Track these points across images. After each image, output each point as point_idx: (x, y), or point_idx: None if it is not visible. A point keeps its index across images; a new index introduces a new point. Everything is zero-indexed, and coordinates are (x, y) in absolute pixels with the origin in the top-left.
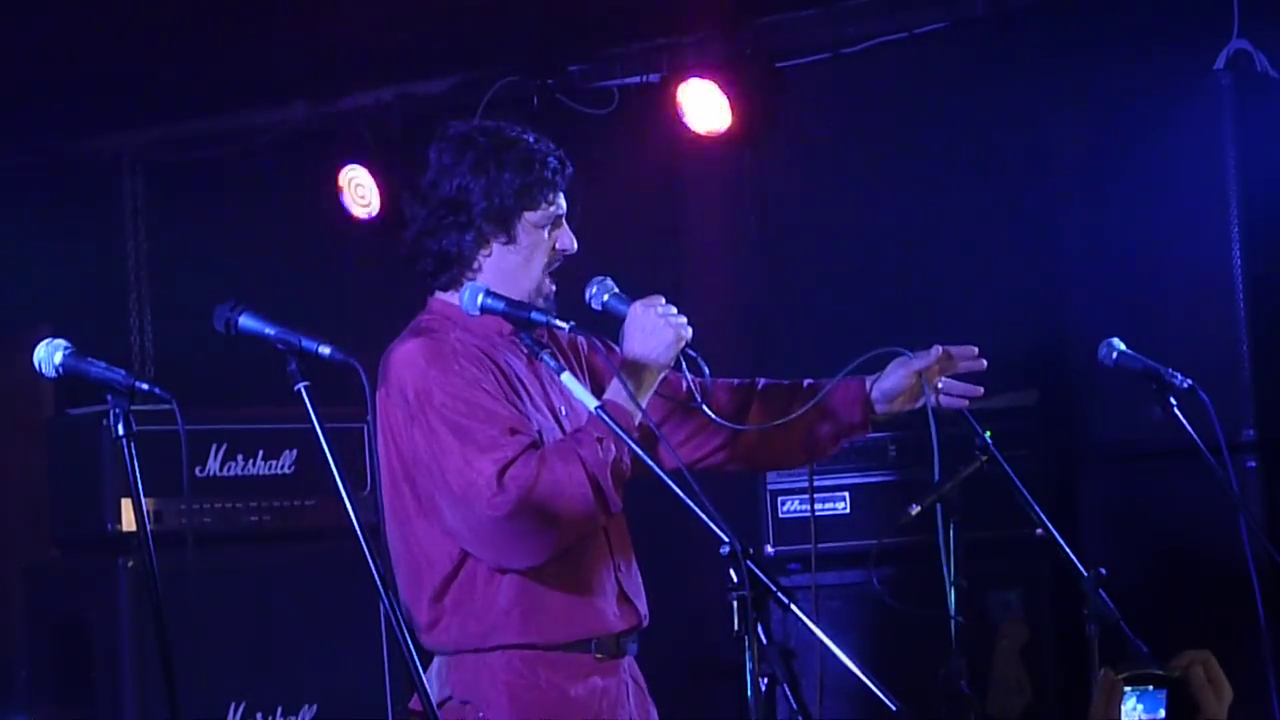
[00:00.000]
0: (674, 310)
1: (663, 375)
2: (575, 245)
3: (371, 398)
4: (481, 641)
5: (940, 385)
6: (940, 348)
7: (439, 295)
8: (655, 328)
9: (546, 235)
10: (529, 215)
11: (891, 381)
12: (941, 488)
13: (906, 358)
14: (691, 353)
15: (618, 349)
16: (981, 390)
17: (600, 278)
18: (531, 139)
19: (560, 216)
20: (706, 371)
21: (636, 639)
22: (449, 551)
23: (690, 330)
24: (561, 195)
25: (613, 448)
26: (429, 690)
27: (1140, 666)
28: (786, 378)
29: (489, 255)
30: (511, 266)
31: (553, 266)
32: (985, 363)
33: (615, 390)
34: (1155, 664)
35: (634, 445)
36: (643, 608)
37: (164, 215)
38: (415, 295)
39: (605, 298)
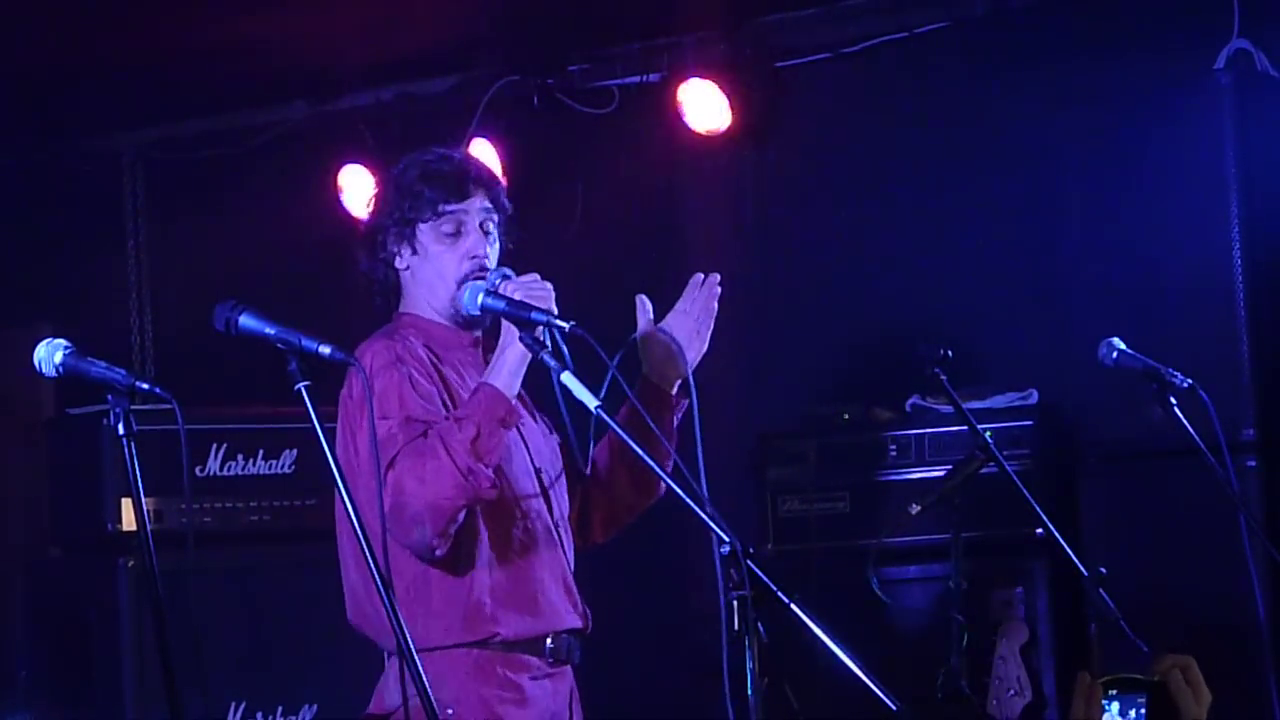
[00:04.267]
0: (543, 287)
1: (517, 345)
2: (484, 251)
3: (370, 395)
4: (444, 639)
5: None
6: (641, 297)
7: (402, 311)
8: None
9: (451, 244)
10: (422, 226)
11: (649, 355)
12: (942, 487)
13: (639, 333)
14: (549, 320)
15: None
16: (717, 279)
17: (496, 269)
18: (438, 155)
19: (462, 224)
20: (564, 347)
21: (580, 646)
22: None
23: (551, 300)
24: (466, 204)
25: (472, 427)
26: (392, 692)
27: (1129, 670)
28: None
29: (407, 270)
30: (427, 278)
31: (469, 275)
32: (701, 276)
33: (487, 374)
34: (1141, 668)
35: (632, 443)
36: (588, 610)
37: (164, 215)
38: None
39: (479, 298)
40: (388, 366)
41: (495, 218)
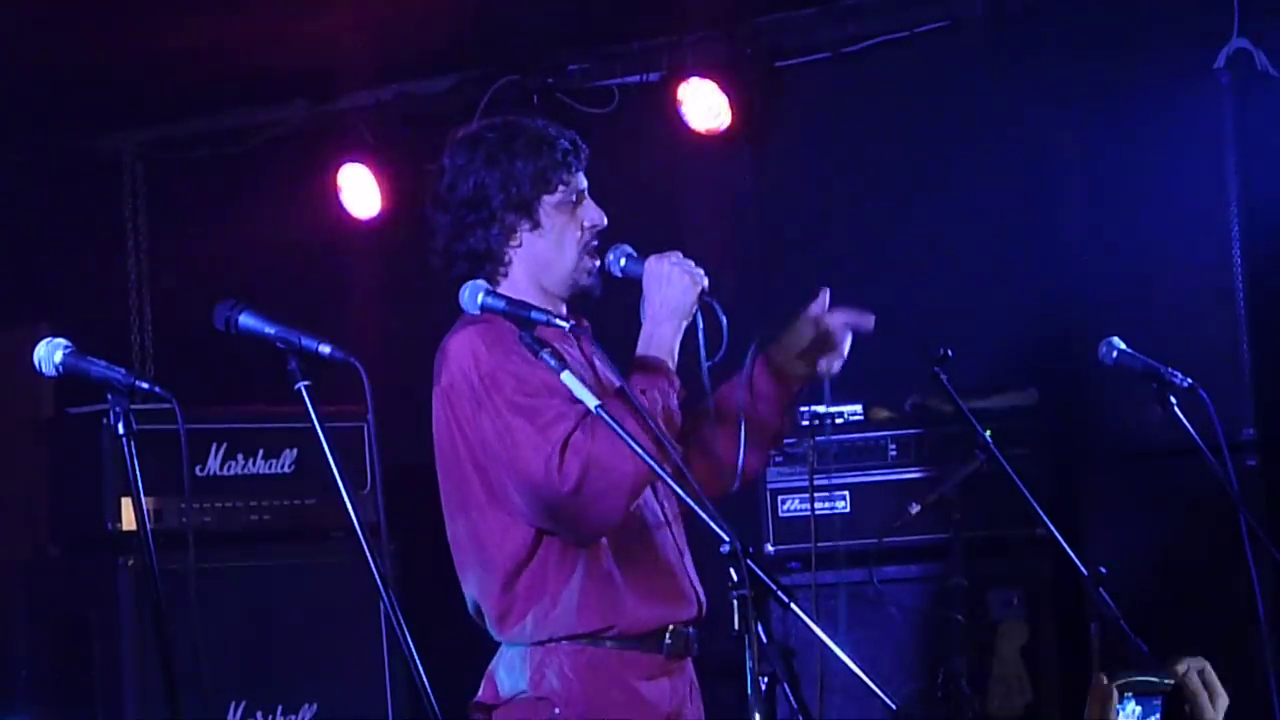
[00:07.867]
0: (690, 262)
1: (686, 322)
2: (604, 219)
3: (372, 396)
4: (555, 631)
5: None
6: (826, 289)
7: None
8: (671, 276)
9: (571, 215)
10: (548, 198)
11: (794, 337)
12: (942, 487)
13: (811, 313)
14: (710, 300)
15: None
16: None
17: (617, 245)
18: (539, 123)
19: (582, 193)
20: (724, 319)
21: (697, 637)
22: (522, 538)
23: (706, 279)
24: (580, 174)
25: (658, 396)
26: (499, 683)
27: (1139, 669)
28: None
29: (518, 246)
30: (544, 252)
31: (588, 244)
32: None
33: (644, 343)
34: (1154, 667)
35: (635, 445)
36: (703, 596)
37: (164, 215)
38: (414, 294)
39: (622, 262)
40: (506, 351)
41: None
